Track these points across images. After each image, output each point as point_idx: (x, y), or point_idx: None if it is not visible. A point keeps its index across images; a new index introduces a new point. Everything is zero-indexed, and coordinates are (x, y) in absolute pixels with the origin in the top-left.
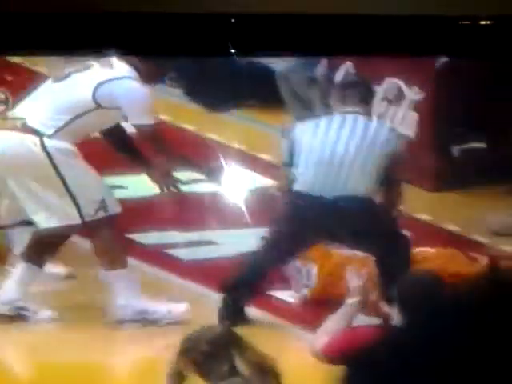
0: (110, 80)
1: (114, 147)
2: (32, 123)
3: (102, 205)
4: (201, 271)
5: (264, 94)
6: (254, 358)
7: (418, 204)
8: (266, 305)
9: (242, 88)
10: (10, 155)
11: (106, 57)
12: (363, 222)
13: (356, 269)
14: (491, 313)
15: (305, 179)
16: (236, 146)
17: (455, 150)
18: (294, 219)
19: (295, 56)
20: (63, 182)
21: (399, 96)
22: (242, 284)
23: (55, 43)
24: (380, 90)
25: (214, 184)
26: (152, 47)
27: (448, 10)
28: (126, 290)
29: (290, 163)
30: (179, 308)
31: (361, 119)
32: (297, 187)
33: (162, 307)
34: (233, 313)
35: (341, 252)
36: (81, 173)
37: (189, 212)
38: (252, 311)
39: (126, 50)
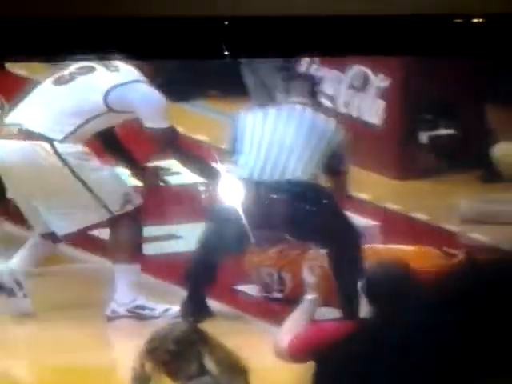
0: (123, 84)
1: (104, 147)
2: (37, 129)
3: (127, 198)
4: (163, 266)
5: (227, 83)
6: (223, 356)
7: (386, 193)
8: (233, 300)
9: (206, 77)
10: (21, 165)
11: (103, 60)
12: (309, 208)
13: (311, 265)
14: (464, 302)
15: (250, 165)
16: (199, 137)
17: (423, 137)
18: (239, 206)
19: (288, 57)
20: (84, 185)
21: (365, 83)
22: (196, 278)
23: (48, 49)
24: (345, 78)
25: (212, 184)
26: (146, 51)
27: (440, 8)
28: (129, 286)
29: (235, 150)
30: (175, 308)
31: (307, 110)
32: (242, 173)
33: (159, 306)
34: (196, 308)
35: (314, 253)
36: (99, 172)
37: (150, 206)
38: (217, 306)
39: (119, 54)
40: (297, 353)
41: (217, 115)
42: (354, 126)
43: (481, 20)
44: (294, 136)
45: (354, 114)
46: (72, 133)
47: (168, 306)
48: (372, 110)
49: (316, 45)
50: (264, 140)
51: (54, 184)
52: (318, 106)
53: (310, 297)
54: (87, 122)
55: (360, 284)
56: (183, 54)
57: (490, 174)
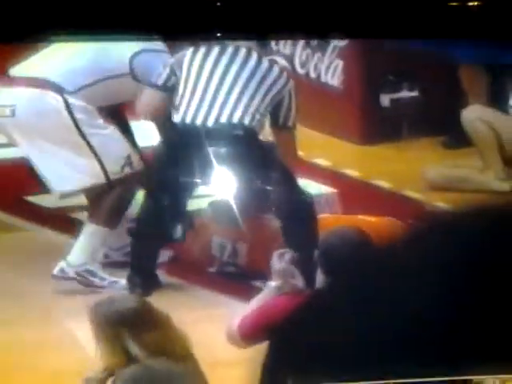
0: (152, 50)
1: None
2: (49, 77)
3: (128, 160)
4: None
5: None
6: (155, 340)
7: (345, 158)
8: (185, 273)
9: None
10: (28, 112)
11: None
12: (248, 158)
13: (282, 251)
14: (420, 269)
15: (184, 107)
16: None
17: (385, 99)
18: (177, 152)
19: (282, 39)
20: (86, 142)
21: (323, 42)
22: (143, 247)
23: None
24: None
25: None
26: (143, 30)
27: None
28: (89, 248)
29: (171, 88)
30: (122, 281)
31: (252, 54)
32: (176, 117)
33: (110, 277)
34: (143, 281)
35: (271, 225)
36: (103, 130)
37: None
38: (167, 279)
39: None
40: (248, 333)
41: None
42: (312, 88)
43: (476, 3)
44: (234, 77)
45: (312, 74)
46: (87, 86)
47: (117, 279)
48: (330, 70)
49: (311, 25)
50: (201, 79)
51: (56, 135)
52: (264, 53)
53: (274, 283)
54: (104, 79)
55: (315, 254)
56: (174, 36)
57: (456, 140)
